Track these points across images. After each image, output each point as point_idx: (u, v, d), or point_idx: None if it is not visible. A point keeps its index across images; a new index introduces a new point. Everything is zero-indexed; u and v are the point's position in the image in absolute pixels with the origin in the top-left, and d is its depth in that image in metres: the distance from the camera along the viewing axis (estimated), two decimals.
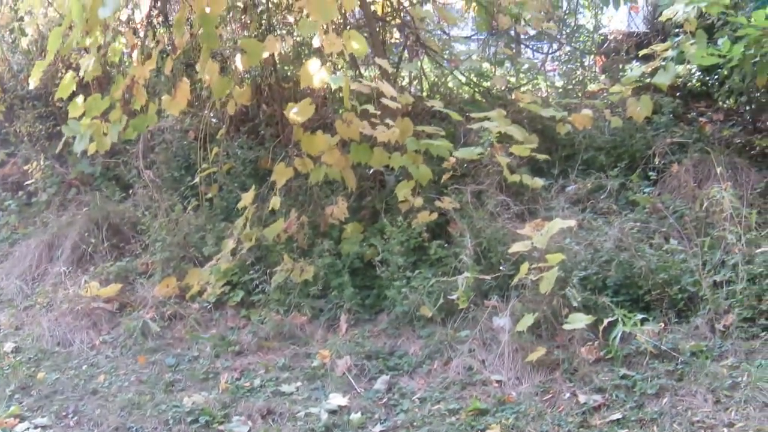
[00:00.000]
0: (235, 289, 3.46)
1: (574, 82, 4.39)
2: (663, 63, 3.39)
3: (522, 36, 4.68)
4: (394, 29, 4.30)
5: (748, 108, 4.00)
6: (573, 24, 4.75)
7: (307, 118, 3.07)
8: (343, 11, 3.20)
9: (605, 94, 3.93)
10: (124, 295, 3.59)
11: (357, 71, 3.98)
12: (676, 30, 3.66)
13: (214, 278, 3.31)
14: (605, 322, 2.65)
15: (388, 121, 3.06)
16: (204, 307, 3.44)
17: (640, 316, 2.68)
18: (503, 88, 4.18)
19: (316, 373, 2.86)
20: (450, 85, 4.48)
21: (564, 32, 4.66)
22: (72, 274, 3.82)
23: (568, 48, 4.60)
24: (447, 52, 4.61)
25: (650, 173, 3.60)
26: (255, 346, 3.12)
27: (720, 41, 3.22)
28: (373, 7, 3.93)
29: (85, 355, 3.20)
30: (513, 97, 3.83)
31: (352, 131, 3.08)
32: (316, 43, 2.95)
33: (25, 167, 4.54)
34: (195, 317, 3.36)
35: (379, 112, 2.98)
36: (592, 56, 4.70)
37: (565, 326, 2.66)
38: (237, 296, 3.43)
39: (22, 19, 4.30)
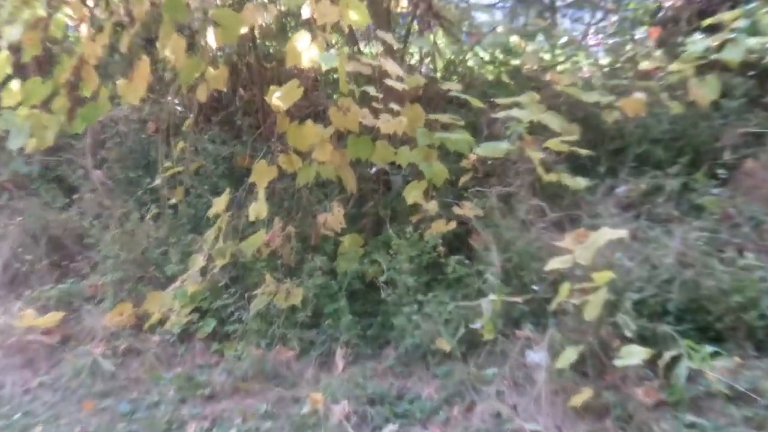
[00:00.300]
0: (205, 317, 3.47)
1: (623, 59, 4.39)
2: (732, 35, 3.38)
3: (558, 3, 4.69)
4: None
5: None
6: None
7: (294, 104, 3.06)
8: None
9: (662, 74, 3.92)
10: (67, 326, 3.58)
11: (355, 47, 3.98)
12: None
13: (178, 304, 3.30)
14: (667, 356, 2.63)
15: (392, 106, 3.05)
16: (167, 340, 3.45)
17: (709, 349, 2.66)
18: (536, 67, 4.18)
19: (306, 422, 2.84)
20: (470, 64, 4.48)
21: None
22: (3, 299, 3.82)
23: (615, 18, 4.60)
24: (466, 23, 4.61)
25: (719, 171, 3.59)
26: (230, 389, 3.11)
27: None
28: None
29: (18, 400, 3.19)
30: (548, 78, 3.83)
31: (350, 121, 3.09)
32: (305, 13, 2.96)
33: None
34: (155, 352, 3.36)
35: (381, 95, 2.97)
36: (644, 27, 4.70)
37: (617, 362, 2.64)
38: (207, 326, 3.44)
39: None
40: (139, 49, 3.92)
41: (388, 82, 2.99)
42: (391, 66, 3.01)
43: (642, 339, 2.71)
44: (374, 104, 3.05)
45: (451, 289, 3.19)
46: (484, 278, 3.09)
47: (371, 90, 2.98)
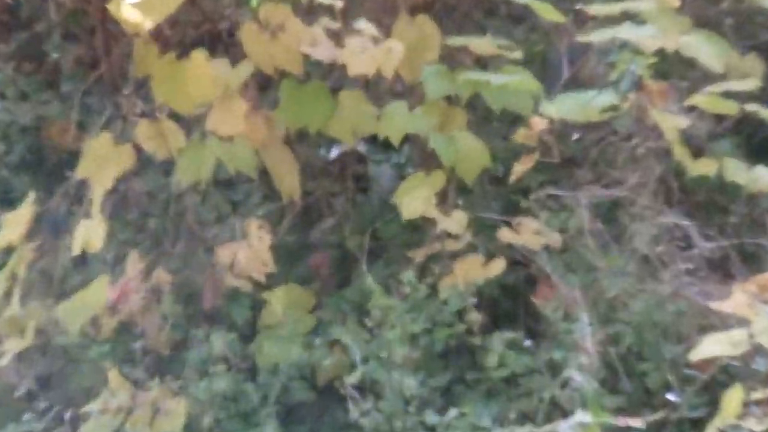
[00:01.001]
0: None
1: None
2: None
3: None
4: None
5: None
6: None
7: (168, 17, 3.09)
8: None
9: None
10: None
11: None
12: None
13: None
14: None
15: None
16: None
17: None
18: None
19: None
20: None
21: None
22: None
23: None
24: None
25: None
26: None
27: None
28: None
29: None
30: None
31: (283, 52, 3.11)
32: None
33: None
34: None
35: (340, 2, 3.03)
36: None
37: None
38: None
39: None
40: None
41: None
42: None
43: None
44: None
45: (496, 400, 3.23)
46: (564, 377, 3.10)
47: None
